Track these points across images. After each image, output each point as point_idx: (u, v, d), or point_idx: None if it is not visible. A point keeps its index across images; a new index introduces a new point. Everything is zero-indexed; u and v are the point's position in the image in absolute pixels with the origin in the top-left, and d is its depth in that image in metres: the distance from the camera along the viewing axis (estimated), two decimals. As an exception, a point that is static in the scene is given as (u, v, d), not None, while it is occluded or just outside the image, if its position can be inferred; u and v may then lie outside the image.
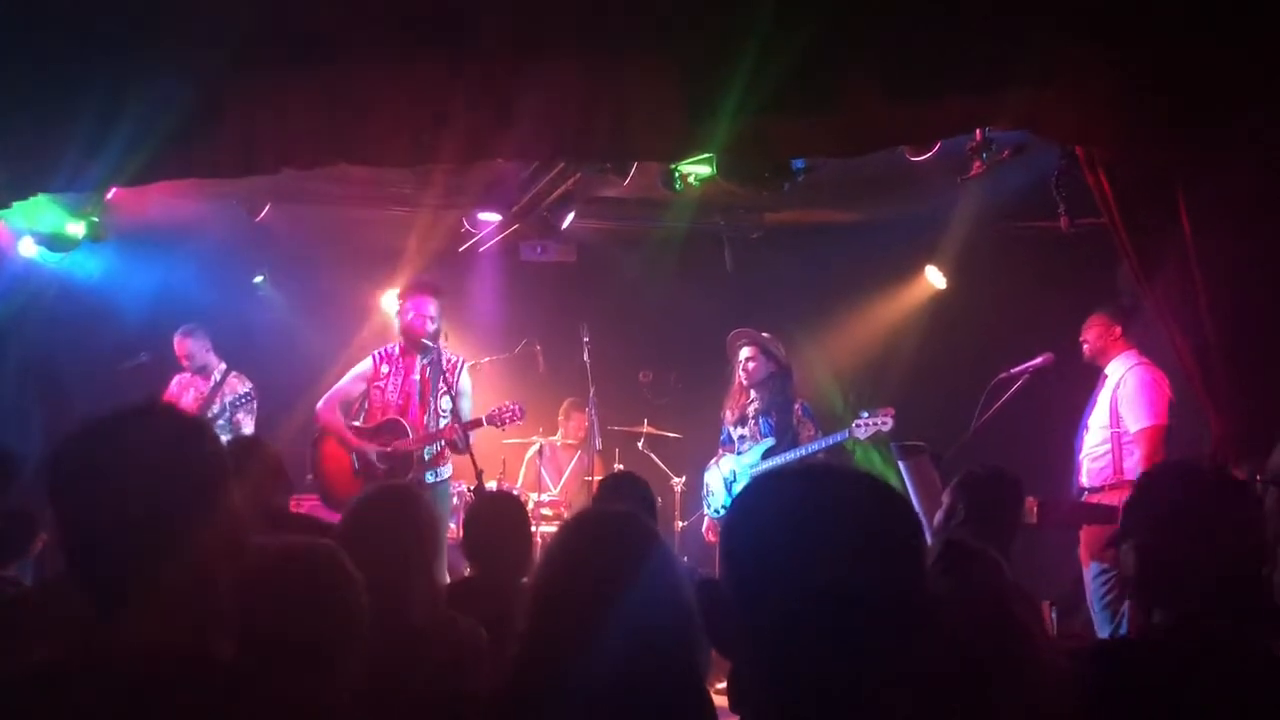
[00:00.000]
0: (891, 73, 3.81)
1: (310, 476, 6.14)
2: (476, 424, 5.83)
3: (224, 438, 6.35)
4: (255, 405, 7.06)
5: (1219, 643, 1.97)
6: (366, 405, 6.05)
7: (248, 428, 7.02)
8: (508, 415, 5.87)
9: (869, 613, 1.25)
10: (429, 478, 5.89)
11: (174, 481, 1.53)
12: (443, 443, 5.84)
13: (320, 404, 6.02)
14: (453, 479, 6.22)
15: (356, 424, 6.02)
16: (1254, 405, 3.77)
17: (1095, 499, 5.17)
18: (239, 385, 7.13)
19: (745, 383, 6.45)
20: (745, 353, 6.45)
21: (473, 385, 6.20)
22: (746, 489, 1.39)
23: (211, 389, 7.11)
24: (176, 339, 7.06)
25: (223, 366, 7.17)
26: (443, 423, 5.86)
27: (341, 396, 6.01)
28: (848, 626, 1.24)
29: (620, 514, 2.16)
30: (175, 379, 7.25)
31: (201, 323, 7.23)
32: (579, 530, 2.13)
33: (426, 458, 5.87)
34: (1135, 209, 3.97)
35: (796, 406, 6.37)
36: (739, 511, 1.36)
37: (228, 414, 7.01)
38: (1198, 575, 2.02)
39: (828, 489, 1.33)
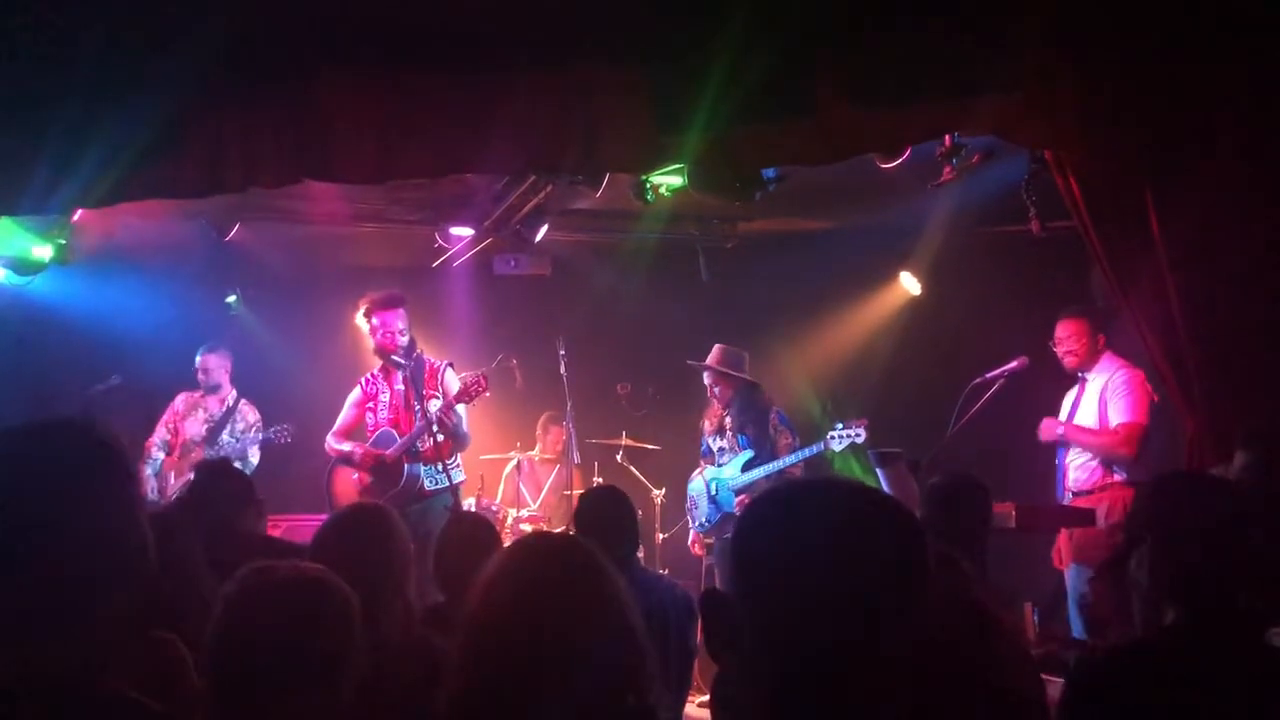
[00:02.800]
0: (859, 81, 3.82)
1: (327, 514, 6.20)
2: (447, 408, 5.83)
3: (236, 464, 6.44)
4: (262, 436, 7.04)
5: (1232, 641, 1.99)
6: (364, 430, 6.19)
7: (254, 458, 7.04)
8: (474, 388, 5.87)
9: (876, 622, 1.29)
10: (427, 483, 5.90)
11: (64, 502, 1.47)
12: (431, 438, 5.77)
13: (328, 438, 6.20)
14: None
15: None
16: (1227, 405, 3.79)
17: (1083, 502, 5.17)
18: (250, 414, 7.13)
19: (717, 404, 6.54)
20: (706, 379, 6.55)
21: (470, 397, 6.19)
22: (759, 499, 1.43)
23: (224, 414, 7.09)
24: (202, 353, 7.07)
25: (234, 392, 7.16)
26: (433, 428, 5.88)
27: (344, 427, 6.22)
28: (854, 637, 1.28)
29: (559, 545, 2.09)
30: (181, 397, 7.17)
31: (176, 345, 7.18)
32: (516, 567, 2.00)
33: (419, 451, 5.87)
34: (1105, 211, 3.98)
35: (773, 415, 6.39)
36: (751, 522, 1.41)
37: (240, 444, 7.00)
38: (1212, 577, 2.04)
39: (838, 502, 1.36)
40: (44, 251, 6.22)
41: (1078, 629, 4.86)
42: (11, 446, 1.54)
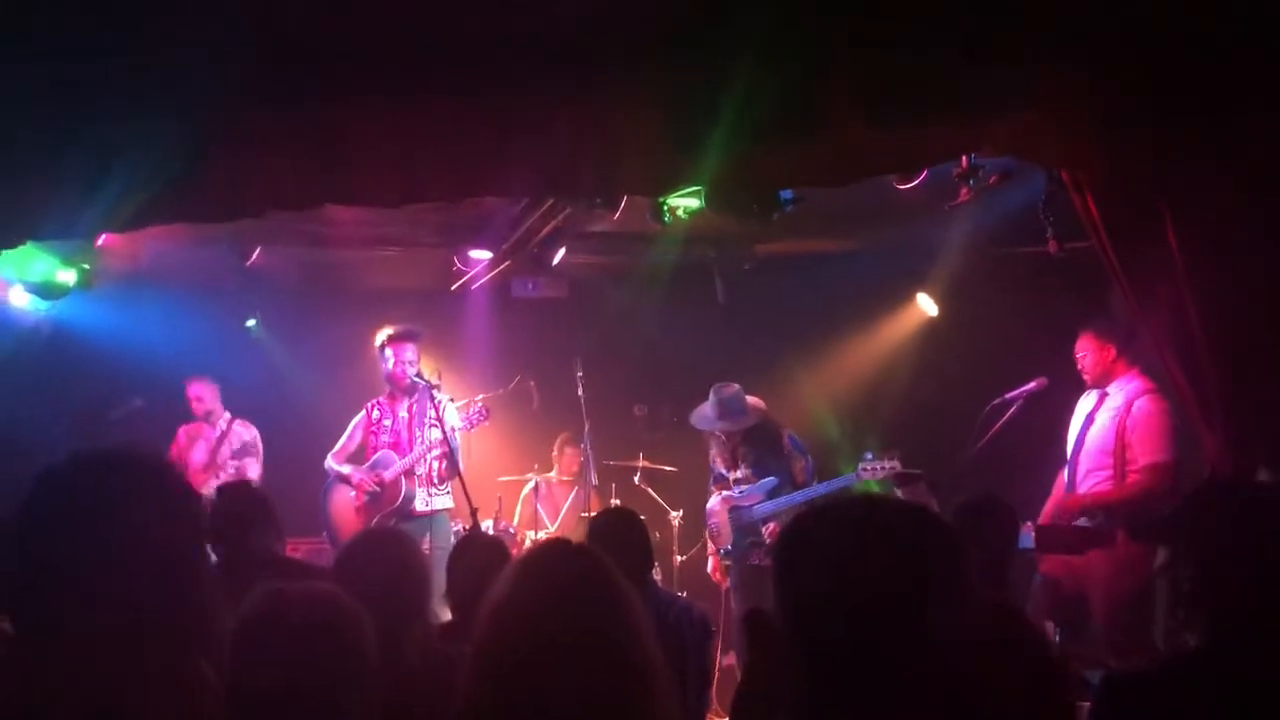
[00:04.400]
0: (876, 102, 3.83)
1: (325, 533, 6.54)
2: (450, 433, 6.23)
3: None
4: (261, 450, 7.30)
5: (1263, 660, 1.95)
6: (365, 453, 6.55)
7: (253, 472, 7.23)
8: (476, 416, 6.46)
9: (918, 640, 1.29)
10: (420, 504, 6.25)
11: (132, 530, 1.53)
12: (433, 465, 6.27)
13: (328, 458, 6.55)
14: (453, 516, 6.42)
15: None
16: (1249, 424, 3.76)
17: (1096, 523, 5.12)
18: (244, 432, 7.35)
19: (725, 441, 6.47)
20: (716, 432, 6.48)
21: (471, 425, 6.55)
22: (800, 520, 1.44)
23: (218, 437, 7.32)
24: (191, 383, 7.30)
25: (227, 415, 7.39)
26: (433, 454, 6.33)
27: (345, 450, 6.58)
28: (896, 656, 1.29)
29: (574, 555, 2.06)
30: (182, 430, 7.40)
31: (196, 368, 7.33)
32: (529, 576, 1.98)
33: (419, 475, 6.31)
34: (1122, 230, 3.97)
35: (785, 440, 6.36)
36: (793, 542, 1.42)
37: (234, 461, 7.22)
38: (1259, 595, 2.00)
39: (881, 522, 1.37)
40: (68, 276, 6.29)
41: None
42: (72, 477, 1.58)
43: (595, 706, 1.79)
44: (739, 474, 6.42)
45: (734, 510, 6.34)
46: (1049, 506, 5.39)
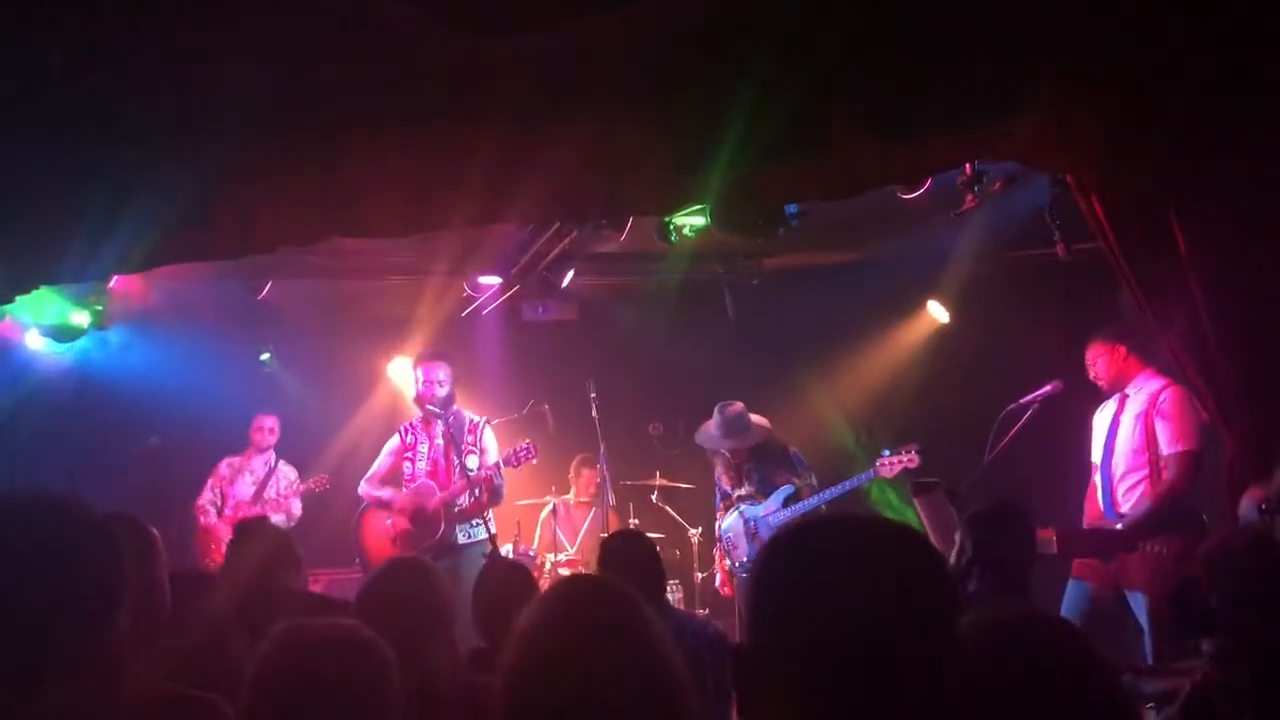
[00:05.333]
0: (877, 114, 3.84)
1: (357, 559, 6.43)
2: (495, 468, 6.07)
3: (275, 519, 6.85)
4: (301, 489, 7.37)
5: None
6: (400, 479, 6.33)
7: (298, 510, 7.37)
8: (523, 454, 6.16)
9: (896, 669, 1.23)
10: (460, 537, 6.07)
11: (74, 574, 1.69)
12: (471, 496, 5.99)
13: (362, 483, 6.38)
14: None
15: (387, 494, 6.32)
16: (1266, 421, 3.74)
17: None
18: (290, 472, 7.47)
19: (731, 459, 6.52)
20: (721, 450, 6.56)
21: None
22: (775, 540, 1.37)
23: (267, 473, 7.41)
24: (264, 415, 7.41)
25: (273, 453, 7.50)
26: (473, 490, 6.10)
27: (379, 474, 6.38)
28: (874, 684, 1.22)
29: (597, 591, 2.04)
30: (224, 462, 7.44)
31: (212, 405, 7.35)
32: (550, 606, 1.97)
33: (455, 510, 6.07)
34: (1130, 232, 3.96)
35: (792, 456, 6.41)
36: (767, 563, 1.34)
37: (285, 500, 7.33)
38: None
39: (857, 541, 1.31)
40: (81, 318, 6.35)
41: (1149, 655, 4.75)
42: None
43: None
44: (744, 491, 6.46)
45: (750, 523, 6.34)
46: (1087, 524, 5.33)
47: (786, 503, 6.25)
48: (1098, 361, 5.31)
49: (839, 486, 6.15)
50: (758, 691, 1.29)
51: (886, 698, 1.22)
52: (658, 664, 1.85)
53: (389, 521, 6.18)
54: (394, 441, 6.42)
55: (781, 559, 1.33)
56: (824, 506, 6.08)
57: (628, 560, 3.63)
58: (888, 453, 5.99)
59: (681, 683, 1.86)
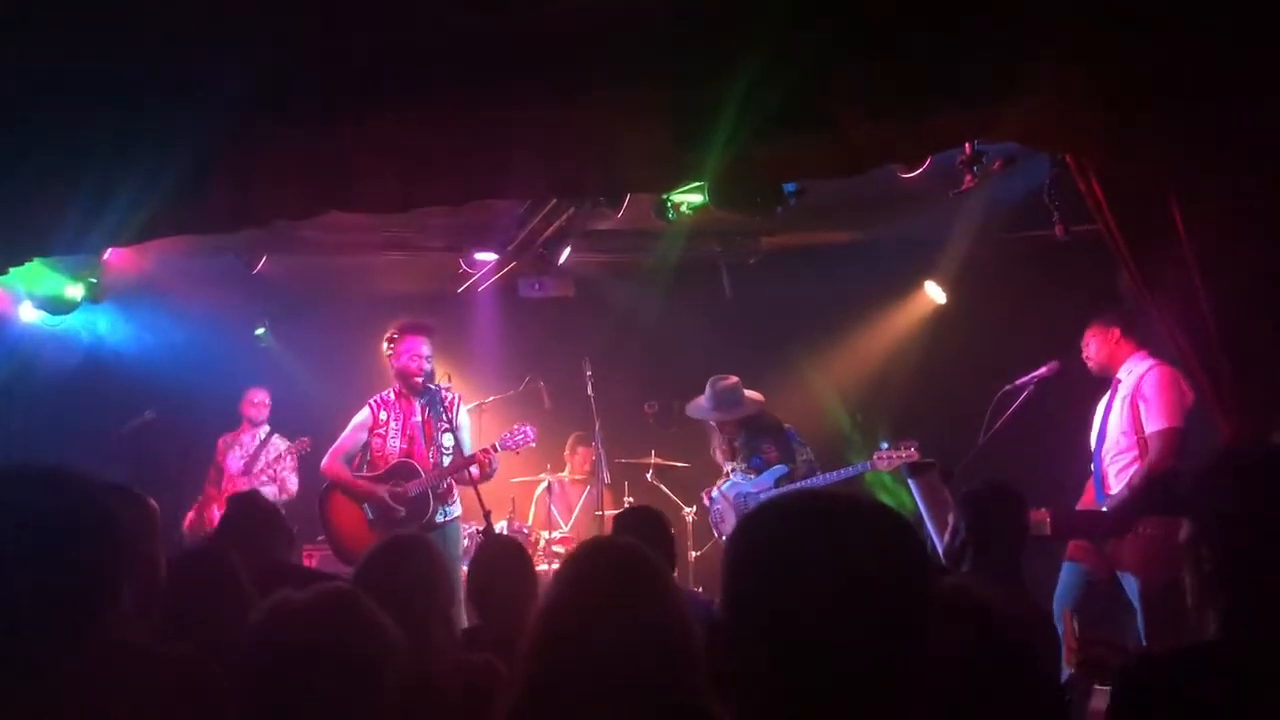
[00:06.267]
0: (878, 94, 3.81)
1: (321, 536, 6.23)
2: (488, 451, 5.89)
3: (268, 491, 6.74)
4: (296, 461, 7.39)
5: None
6: (369, 455, 6.08)
7: (293, 484, 7.37)
8: (520, 438, 5.99)
9: (865, 647, 1.24)
10: (439, 516, 5.94)
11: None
12: (449, 479, 5.89)
13: (325, 460, 6.08)
14: (462, 520, 6.26)
15: (362, 474, 6.04)
16: (1263, 407, 3.74)
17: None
18: (281, 444, 7.48)
19: (723, 435, 6.61)
20: (712, 424, 6.64)
21: (478, 424, 6.31)
22: (750, 516, 1.38)
23: (257, 446, 7.46)
24: (255, 389, 7.49)
25: (267, 426, 7.54)
26: (447, 459, 5.94)
27: (344, 449, 6.05)
28: (843, 659, 1.24)
29: (621, 547, 2.13)
30: (221, 439, 7.55)
31: (207, 379, 7.40)
32: (579, 570, 2.07)
33: (440, 489, 5.94)
34: (1129, 213, 3.94)
35: (786, 433, 6.46)
36: (741, 538, 1.36)
37: (279, 473, 7.36)
38: (1267, 565, 1.91)
39: (830, 519, 1.32)
40: (76, 291, 6.32)
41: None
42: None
43: (650, 690, 1.84)
44: (736, 465, 6.51)
45: (740, 497, 6.38)
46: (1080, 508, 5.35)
47: (779, 483, 6.27)
48: (1091, 343, 5.32)
49: (834, 474, 6.16)
50: (731, 661, 1.31)
51: (857, 670, 1.24)
52: (677, 621, 1.89)
53: (365, 507, 5.90)
54: (364, 415, 6.06)
55: (756, 532, 1.35)
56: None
57: (642, 537, 3.64)
58: (886, 445, 5.95)
59: (695, 637, 1.89)
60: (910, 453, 5.83)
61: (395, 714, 1.92)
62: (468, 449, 5.90)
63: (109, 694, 1.75)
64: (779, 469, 6.31)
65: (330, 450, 6.09)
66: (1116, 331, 5.24)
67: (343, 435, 6.09)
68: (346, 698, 1.86)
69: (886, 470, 5.96)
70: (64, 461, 1.82)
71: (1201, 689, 1.86)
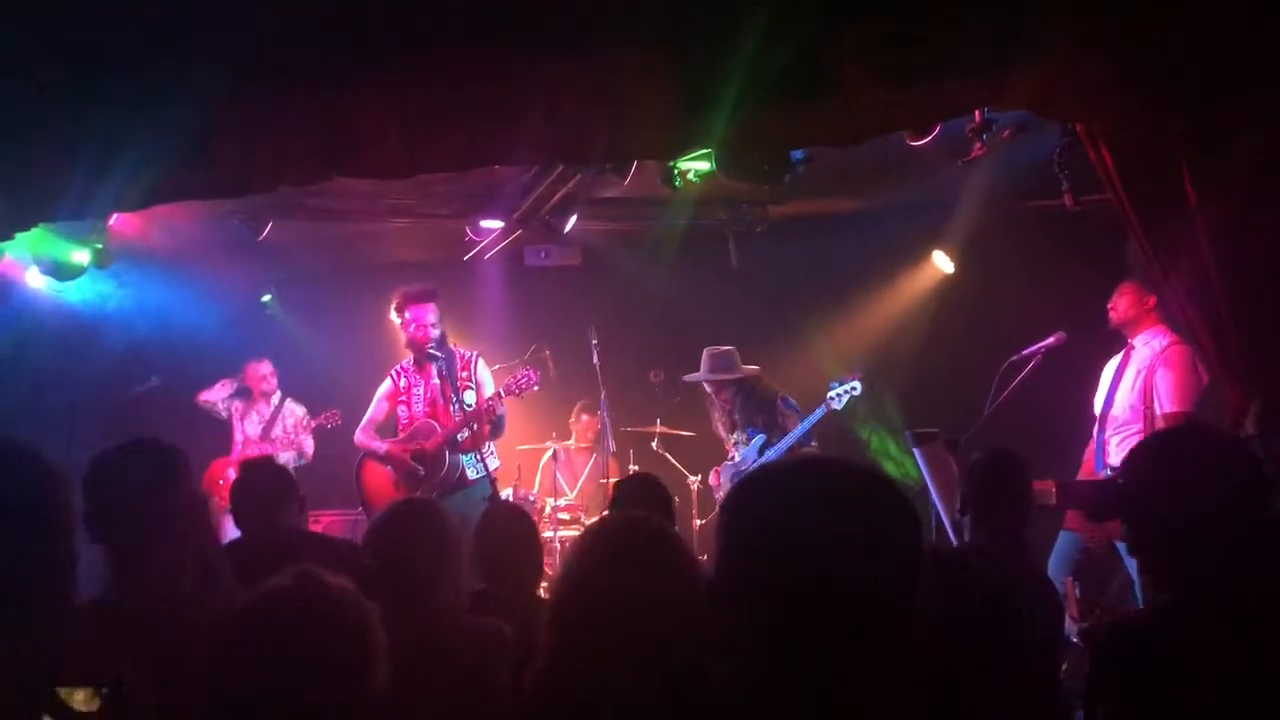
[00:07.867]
0: (888, 59, 3.77)
1: (360, 508, 6.33)
2: (496, 398, 5.94)
3: (286, 456, 7.02)
4: (312, 425, 7.49)
5: (1224, 618, 1.93)
6: (397, 422, 6.20)
7: (309, 448, 7.50)
8: (524, 382, 5.99)
9: (855, 609, 1.26)
10: (471, 472, 5.94)
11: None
12: (470, 429, 5.88)
13: (357, 432, 6.22)
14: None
15: (388, 440, 6.18)
16: (1270, 377, 3.73)
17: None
18: (297, 409, 7.59)
19: (721, 404, 6.71)
20: (707, 389, 6.73)
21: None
22: (742, 482, 1.40)
23: (272, 413, 7.56)
24: (259, 363, 7.54)
25: (279, 392, 7.61)
26: (473, 423, 5.97)
27: (375, 420, 6.22)
28: (833, 622, 1.25)
29: (639, 521, 2.14)
30: (237, 409, 7.63)
31: (213, 345, 7.44)
32: (597, 542, 2.10)
33: (459, 441, 5.92)
34: (1139, 183, 3.92)
35: (779, 402, 6.51)
36: (734, 504, 1.38)
37: (293, 438, 7.47)
38: (1201, 544, 1.98)
39: (821, 483, 1.34)
40: (81, 256, 6.30)
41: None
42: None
43: (671, 662, 1.87)
44: (735, 436, 6.62)
45: (734, 475, 6.47)
46: (1081, 477, 5.35)
47: (761, 451, 6.37)
48: (1121, 300, 5.30)
49: (800, 427, 6.29)
50: (725, 625, 1.33)
51: (847, 634, 1.26)
52: (695, 593, 1.91)
53: (390, 467, 6.05)
54: (387, 386, 6.21)
55: (747, 499, 1.37)
56: (801, 448, 6.23)
57: (643, 503, 3.65)
58: (835, 385, 6.18)
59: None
60: (853, 385, 6.07)
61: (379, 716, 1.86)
62: (501, 409, 6.00)
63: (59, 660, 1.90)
64: (760, 438, 6.43)
65: (360, 425, 6.24)
66: (1153, 300, 5.22)
67: (371, 408, 6.24)
68: (324, 708, 1.77)
69: (841, 408, 6.17)
70: (69, 427, 1.95)
71: (1170, 649, 1.91)
